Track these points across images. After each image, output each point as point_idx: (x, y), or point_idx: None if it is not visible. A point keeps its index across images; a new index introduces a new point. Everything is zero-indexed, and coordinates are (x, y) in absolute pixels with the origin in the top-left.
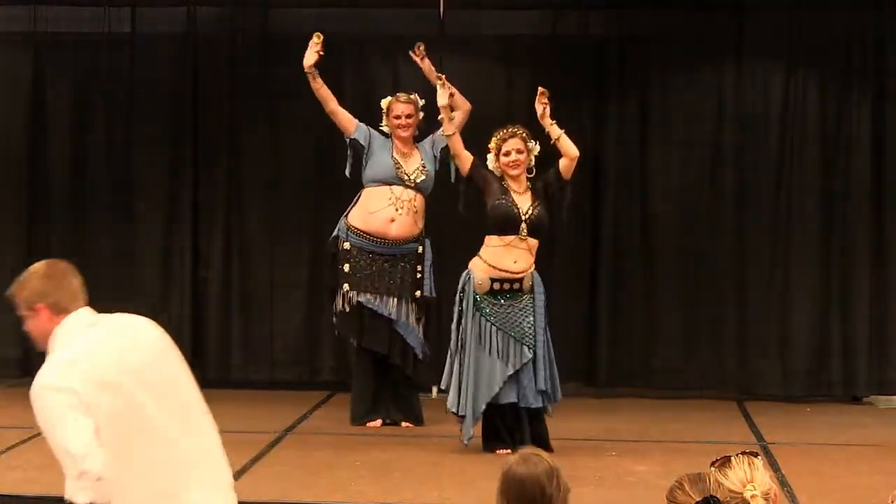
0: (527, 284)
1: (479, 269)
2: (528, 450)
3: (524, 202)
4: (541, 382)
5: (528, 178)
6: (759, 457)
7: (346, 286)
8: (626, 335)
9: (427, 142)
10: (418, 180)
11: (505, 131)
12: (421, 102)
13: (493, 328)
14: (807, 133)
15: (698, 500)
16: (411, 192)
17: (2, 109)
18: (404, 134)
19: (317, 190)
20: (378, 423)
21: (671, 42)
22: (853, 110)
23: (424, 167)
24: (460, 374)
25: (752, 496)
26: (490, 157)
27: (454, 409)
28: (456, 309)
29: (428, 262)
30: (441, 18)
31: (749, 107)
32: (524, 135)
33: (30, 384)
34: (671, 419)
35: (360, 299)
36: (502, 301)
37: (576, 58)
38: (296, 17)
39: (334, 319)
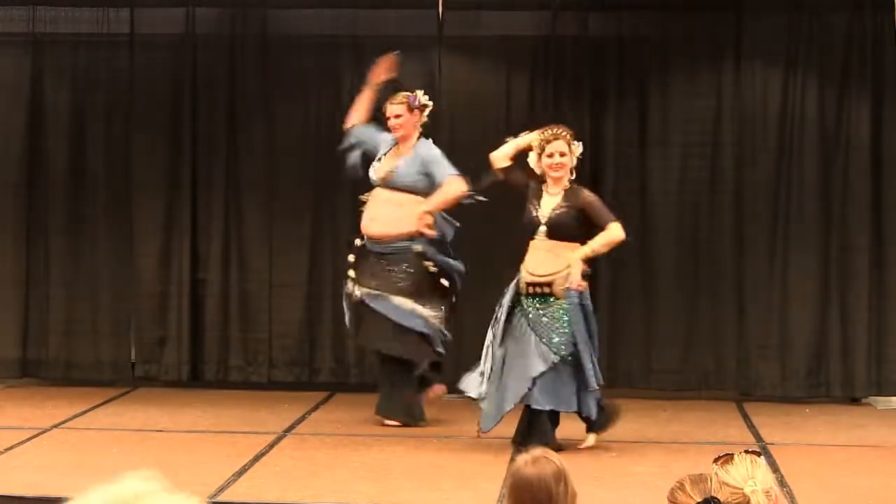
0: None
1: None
2: (539, 451)
3: (550, 203)
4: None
5: (570, 180)
6: (762, 457)
7: None
8: (624, 335)
9: (424, 147)
10: (387, 179)
11: (550, 132)
12: (423, 100)
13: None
14: (805, 133)
15: (699, 500)
16: (387, 192)
17: (1, 110)
18: (395, 134)
19: (316, 191)
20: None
21: (670, 42)
22: (852, 111)
23: (398, 167)
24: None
25: (752, 491)
26: (532, 155)
27: None
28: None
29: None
30: (440, 19)
31: (748, 107)
32: (568, 137)
33: (30, 384)
34: (670, 419)
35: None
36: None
37: (575, 58)
38: (295, 18)
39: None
